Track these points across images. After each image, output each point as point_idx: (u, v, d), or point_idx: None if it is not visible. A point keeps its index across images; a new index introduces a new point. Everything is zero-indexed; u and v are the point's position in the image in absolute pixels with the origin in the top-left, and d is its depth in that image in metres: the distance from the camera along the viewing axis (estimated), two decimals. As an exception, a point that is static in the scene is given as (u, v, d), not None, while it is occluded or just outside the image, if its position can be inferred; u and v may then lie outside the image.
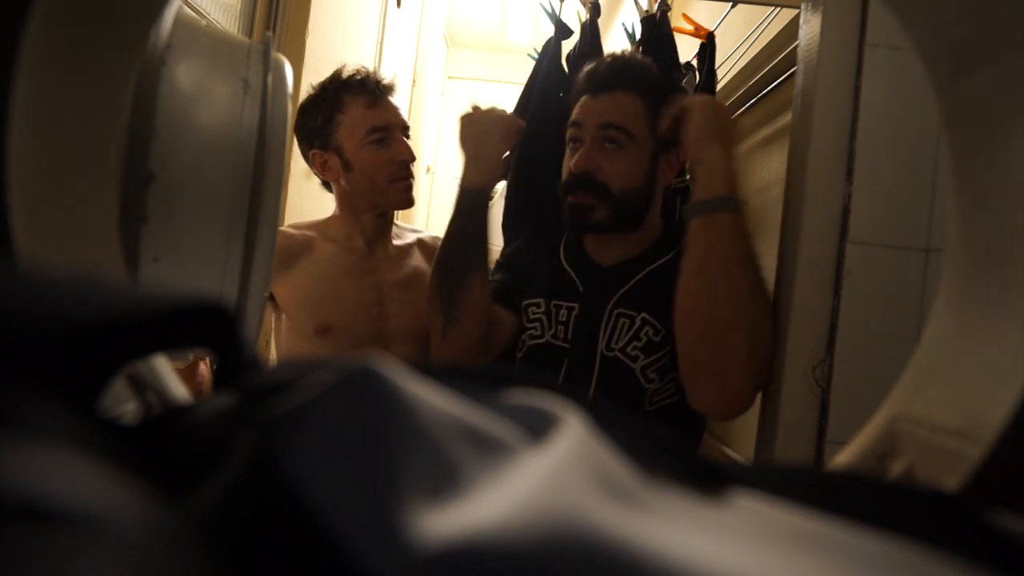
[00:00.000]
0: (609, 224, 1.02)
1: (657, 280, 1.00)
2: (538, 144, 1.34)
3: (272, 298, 1.21)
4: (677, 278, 0.93)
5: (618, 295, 1.03)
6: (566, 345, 1.05)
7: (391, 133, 1.20)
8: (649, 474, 0.23)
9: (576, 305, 1.06)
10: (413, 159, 1.22)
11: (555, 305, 1.09)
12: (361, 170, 1.19)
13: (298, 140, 1.25)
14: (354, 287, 1.20)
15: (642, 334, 0.99)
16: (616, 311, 1.02)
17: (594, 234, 1.08)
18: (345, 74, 1.21)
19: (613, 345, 1.01)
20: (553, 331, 1.08)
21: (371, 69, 1.24)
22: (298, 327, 1.19)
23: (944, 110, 0.53)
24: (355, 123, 1.18)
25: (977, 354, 0.48)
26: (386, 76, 1.24)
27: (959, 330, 0.50)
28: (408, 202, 1.24)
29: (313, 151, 1.22)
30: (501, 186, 2.92)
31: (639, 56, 1.11)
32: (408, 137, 1.24)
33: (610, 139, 0.99)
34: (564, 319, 1.07)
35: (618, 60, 1.06)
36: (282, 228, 1.22)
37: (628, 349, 0.99)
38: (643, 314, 0.99)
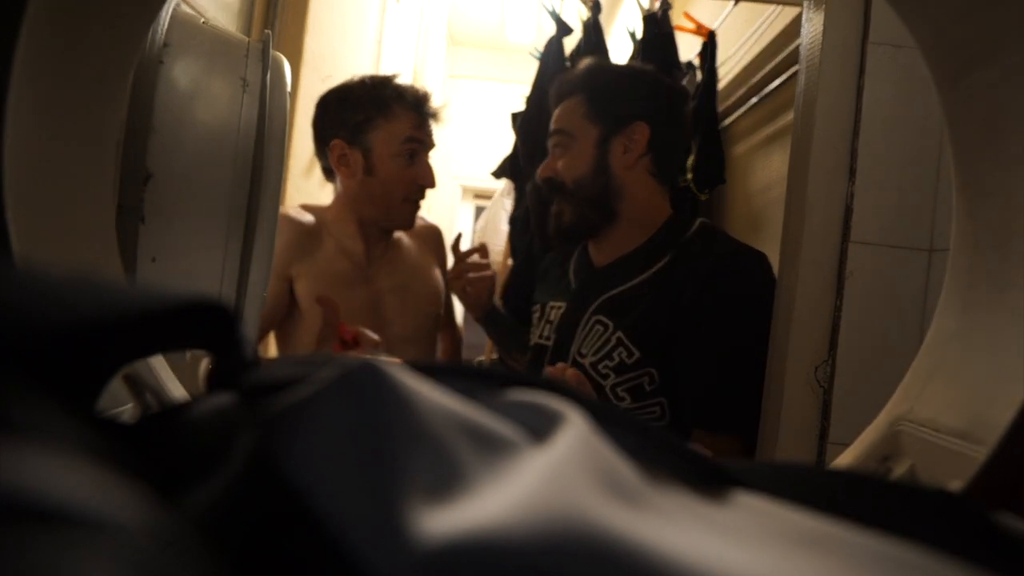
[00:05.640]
0: (582, 221, 1.04)
1: (643, 294, 0.98)
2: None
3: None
4: (665, 296, 0.94)
5: (600, 300, 1.02)
6: (549, 343, 1.08)
7: (421, 150, 1.20)
8: (651, 473, 0.23)
9: (564, 304, 1.08)
10: (433, 185, 1.23)
11: (550, 306, 1.12)
12: (383, 179, 1.18)
13: (319, 124, 1.23)
14: (352, 295, 1.18)
15: (615, 353, 0.96)
16: (594, 317, 1.01)
17: (578, 239, 1.11)
18: (402, 83, 1.21)
19: (584, 351, 0.99)
20: (540, 330, 1.12)
21: (428, 91, 1.25)
22: (307, 327, 1.18)
23: (947, 108, 0.52)
24: (397, 133, 1.17)
25: (981, 355, 0.47)
26: (436, 103, 1.25)
27: (963, 331, 0.50)
28: (409, 224, 1.24)
29: (335, 141, 1.19)
30: (500, 184, 2.92)
31: (593, 60, 1.17)
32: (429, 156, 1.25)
33: (555, 144, 1.08)
34: (553, 318, 1.10)
35: (568, 71, 1.15)
36: (289, 211, 1.20)
37: (599, 366, 0.97)
38: (619, 333, 0.97)
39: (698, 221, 1.06)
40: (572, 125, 1.05)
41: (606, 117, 1.03)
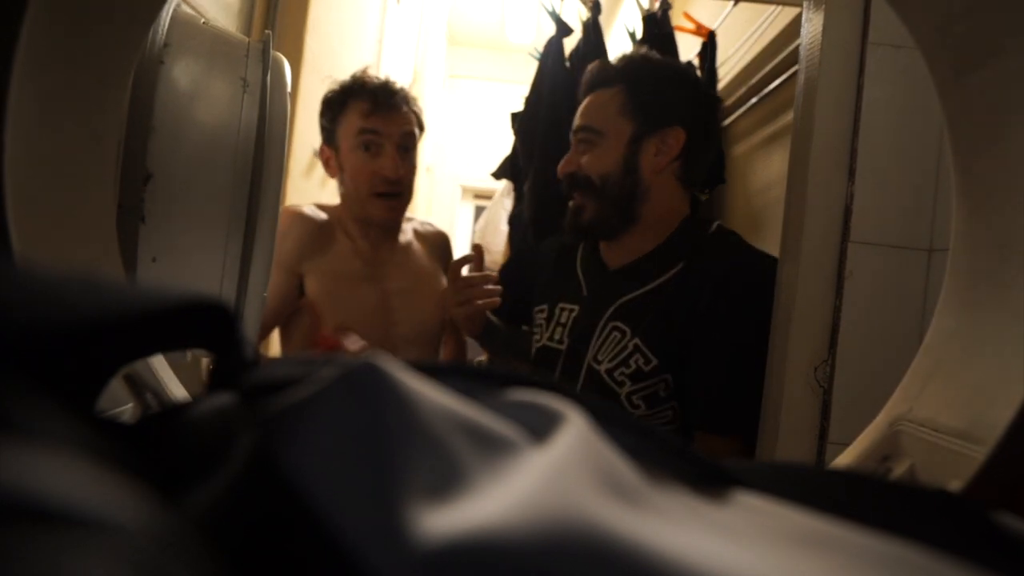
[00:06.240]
0: (602, 221, 1.01)
1: (660, 299, 0.96)
2: (551, 146, 1.34)
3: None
4: (681, 301, 0.92)
5: (616, 304, 0.99)
6: (561, 347, 1.05)
7: (382, 141, 1.17)
8: (652, 473, 0.23)
9: (577, 307, 1.05)
10: (397, 176, 1.18)
11: (560, 308, 1.08)
12: (349, 175, 1.19)
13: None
14: (359, 295, 1.19)
15: (632, 360, 0.94)
16: (611, 323, 0.98)
17: (594, 239, 1.08)
18: (363, 76, 1.20)
19: (600, 357, 0.97)
20: (550, 333, 1.08)
21: (383, 76, 1.23)
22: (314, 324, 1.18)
23: (947, 109, 0.52)
24: (351, 126, 1.17)
25: (980, 355, 0.47)
26: (397, 83, 1.22)
27: (962, 331, 0.50)
28: (389, 221, 1.22)
29: (321, 144, 1.23)
30: (501, 184, 2.92)
31: (636, 52, 1.10)
32: (410, 148, 1.21)
33: (580, 140, 1.02)
34: (564, 321, 1.06)
35: (604, 61, 1.07)
36: (303, 208, 1.21)
37: (615, 373, 0.95)
38: (636, 339, 0.94)
39: (715, 224, 1.04)
40: (603, 120, 1.00)
41: (643, 115, 0.98)
